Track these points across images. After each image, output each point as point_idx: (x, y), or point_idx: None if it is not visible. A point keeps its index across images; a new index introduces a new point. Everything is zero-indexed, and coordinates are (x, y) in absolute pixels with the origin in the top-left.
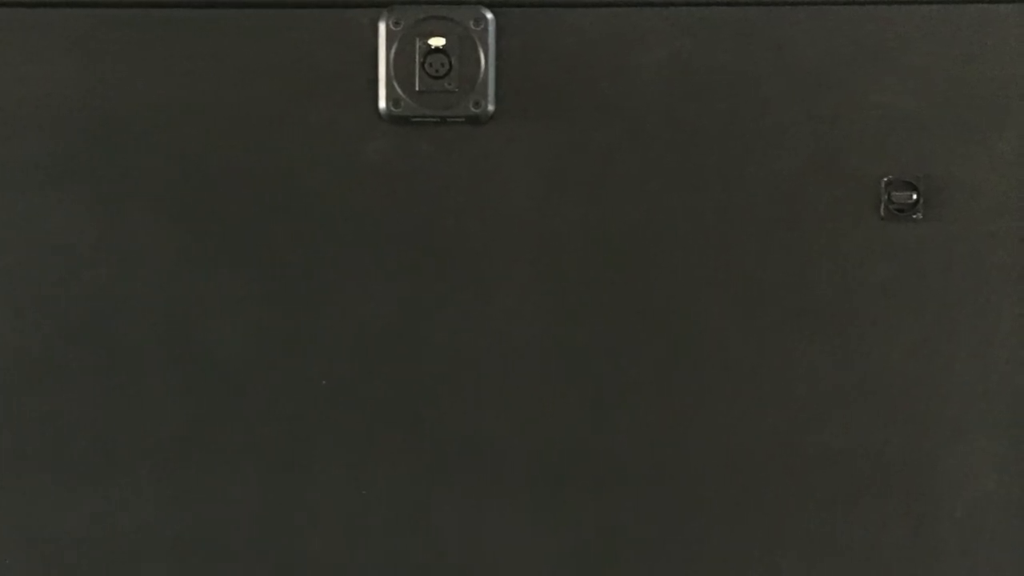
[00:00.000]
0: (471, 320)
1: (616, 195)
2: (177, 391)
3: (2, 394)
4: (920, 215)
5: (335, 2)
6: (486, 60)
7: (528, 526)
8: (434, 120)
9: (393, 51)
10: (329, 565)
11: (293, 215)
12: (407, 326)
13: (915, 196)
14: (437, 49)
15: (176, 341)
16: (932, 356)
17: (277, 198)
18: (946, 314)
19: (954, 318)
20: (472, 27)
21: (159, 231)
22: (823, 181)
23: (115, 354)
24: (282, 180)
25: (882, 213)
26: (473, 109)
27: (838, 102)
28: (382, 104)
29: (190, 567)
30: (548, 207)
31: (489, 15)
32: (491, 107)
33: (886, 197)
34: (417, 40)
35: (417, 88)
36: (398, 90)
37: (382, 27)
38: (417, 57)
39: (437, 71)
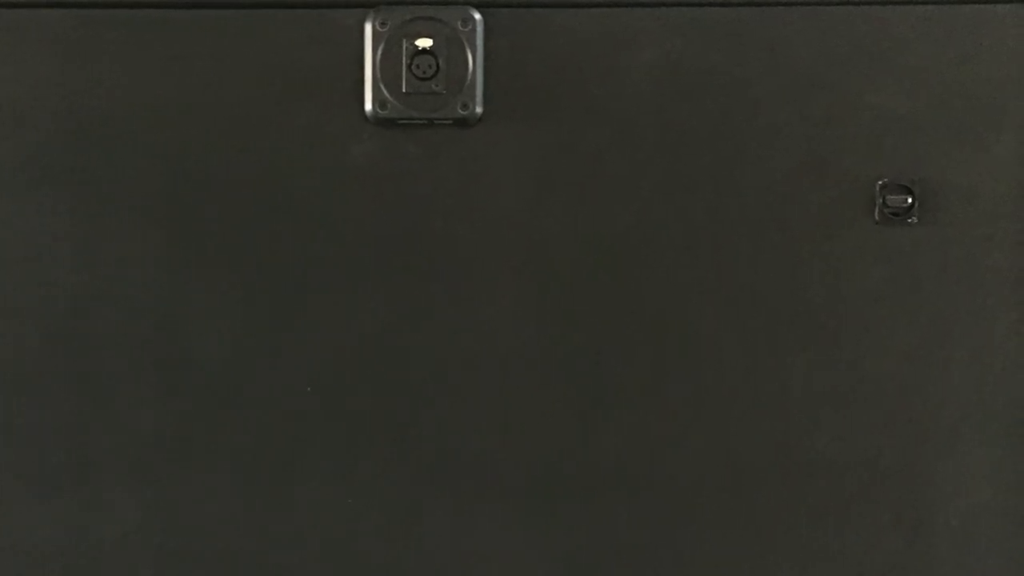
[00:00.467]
0: (459, 325)
1: (606, 198)
2: (159, 397)
3: None
4: (915, 219)
5: (320, 3)
6: (474, 61)
7: (519, 535)
8: (421, 122)
9: (379, 52)
10: None
11: (278, 219)
12: (394, 331)
13: (910, 200)
14: (424, 50)
15: (158, 346)
16: (927, 363)
17: (261, 202)
18: (941, 320)
19: (949, 324)
20: (460, 28)
21: (141, 234)
22: (816, 184)
23: (96, 359)
24: (266, 183)
25: (876, 217)
26: (461, 111)
27: (831, 104)
28: (368, 106)
29: None
30: (537, 210)
31: (477, 15)
32: (479, 109)
33: (880, 200)
34: (404, 41)
35: (404, 90)
36: (384, 92)
37: (368, 28)
38: (404, 58)
39: (424, 72)
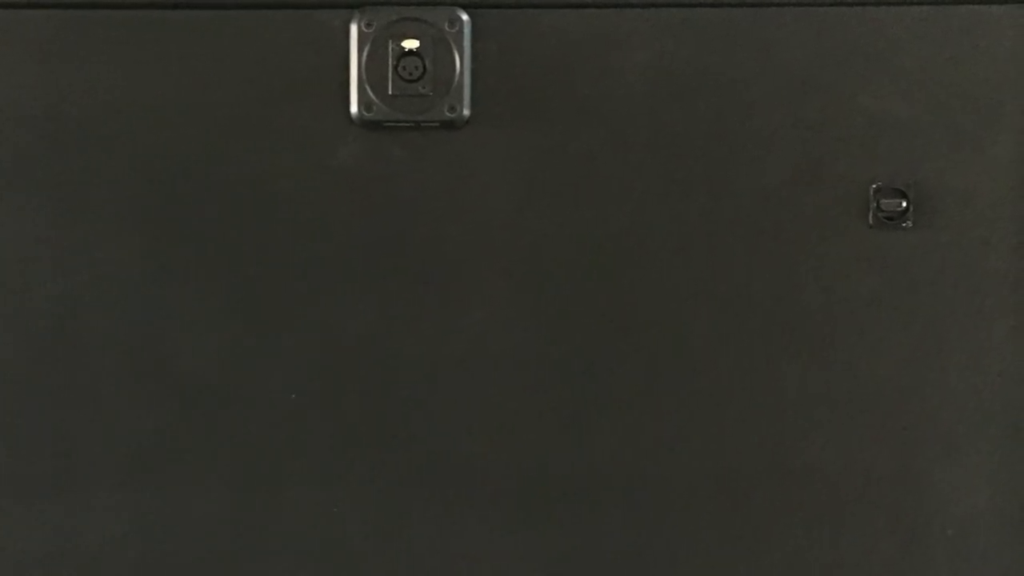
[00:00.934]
0: (446, 331)
1: (596, 202)
2: (142, 404)
3: None
4: (910, 223)
5: (304, 3)
6: (461, 63)
7: (509, 540)
8: (407, 125)
9: (365, 54)
10: None
11: (262, 223)
12: (381, 337)
13: (905, 203)
14: (411, 52)
15: (141, 352)
16: (923, 369)
17: (246, 205)
18: (937, 326)
19: (945, 330)
20: (447, 29)
21: (123, 239)
22: (809, 188)
23: (78, 366)
24: (251, 187)
25: (871, 221)
26: (448, 113)
27: (825, 106)
28: (354, 108)
29: None
30: (526, 215)
31: (464, 16)
32: (466, 111)
33: (875, 204)
34: (390, 42)
35: (390, 92)
36: (370, 94)
37: (353, 29)
38: (390, 60)
39: (411, 74)
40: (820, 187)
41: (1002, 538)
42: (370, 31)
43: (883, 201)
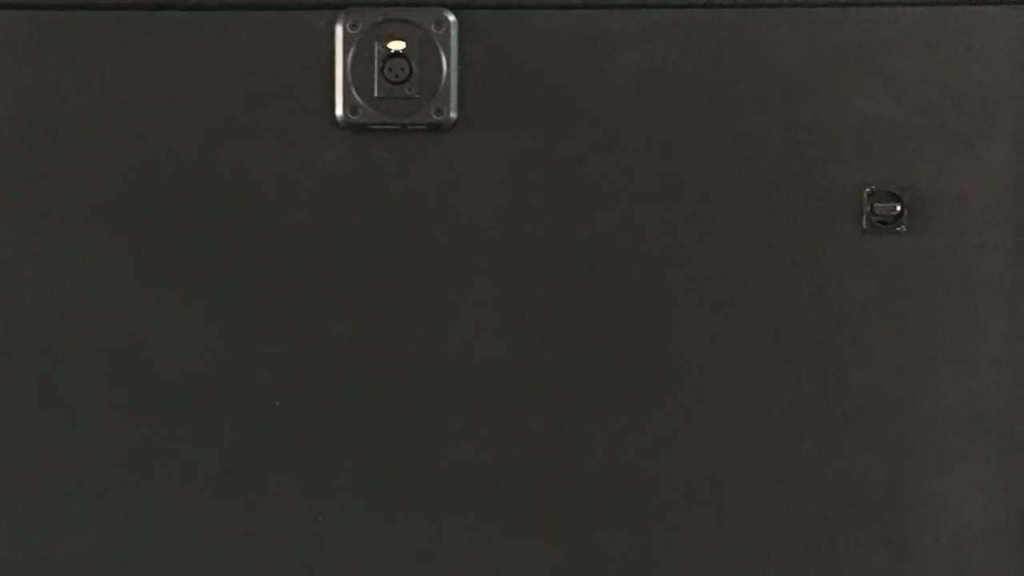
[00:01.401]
0: (432, 337)
1: (585, 207)
2: (120, 413)
3: None
4: (904, 228)
5: (289, 4)
6: (448, 65)
7: (496, 551)
8: (394, 128)
9: (350, 55)
10: None
11: (245, 227)
12: (365, 343)
13: (899, 207)
14: (397, 53)
15: (119, 359)
16: (916, 376)
17: (228, 209)
18: (931, 332)
19: (940, 336)
20: (433, 30)
21: (101, 243)
22: (802, 192)
23: (55, 374)
24: (233, 190)
25: (864, 226)
26: (435, 116)
27: (817, 108)
28: (339, 111)
29: None
30: (514, 220)
31: (451, 17)
32: (453, 114)
33: (868, 209)
34: (376, 44)
35: (376, 94)
36: (356, 96)
37: (339, 30)
38: (376, 61)
39: (397, 76)
40: (813, 191)
41: (997, 548)
42: (355, 32)
43: (877, 205)
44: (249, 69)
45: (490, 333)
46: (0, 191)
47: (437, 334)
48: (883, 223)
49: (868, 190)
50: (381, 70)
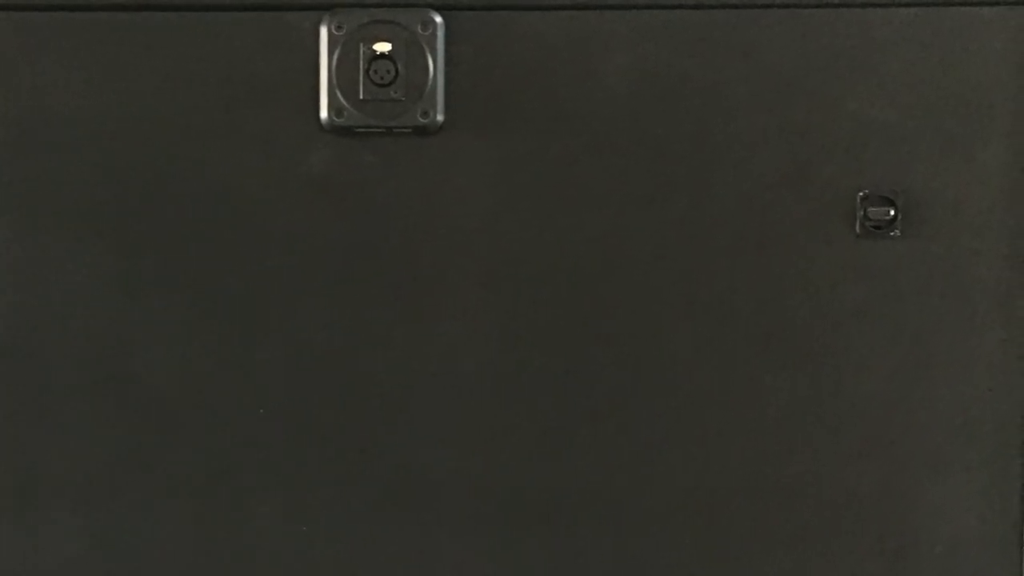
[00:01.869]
0: (420, 342)
1: (574, 209)
2: (106, 418)
3: None
4: (898, 232)
5: (273, 5)
6: (435, 67)
7: (482, 559)
8: (379, 130)
9: (335, 57)
10: None
11: (229, 231)
12: (351, 349)
13: (893, 212)
14: (382, 55)
15: (102, 366)
16: (910, 382)
17: (212, 213)
18: (925, 338)
19: (934, 342)
20: (420, 31)
21: (83, 249)
22: (795, 195)
23: (37, 381)
24: (217, 194)
25: (858, 230)
26: (421, 119)
27: (810, 111)
28: (324, 113)
29: None
30: (501, 223)
31: (438, 19)
32: (440, 117)
33: (862, 213)
34: (361, 45)
35: (361, 96)
36: (341, 99)
37: (324, 31)
38: (361, 63)
39: (382, 78)
40: (805, 194)
41: (991, 556)
42: (340, 34)
43: (870, 209)
44: (233, 71)
45: (478, 337)
46: None
47: (424, 338)
48: (877, 227)
49: (862, 194)
50: (366, 72)
